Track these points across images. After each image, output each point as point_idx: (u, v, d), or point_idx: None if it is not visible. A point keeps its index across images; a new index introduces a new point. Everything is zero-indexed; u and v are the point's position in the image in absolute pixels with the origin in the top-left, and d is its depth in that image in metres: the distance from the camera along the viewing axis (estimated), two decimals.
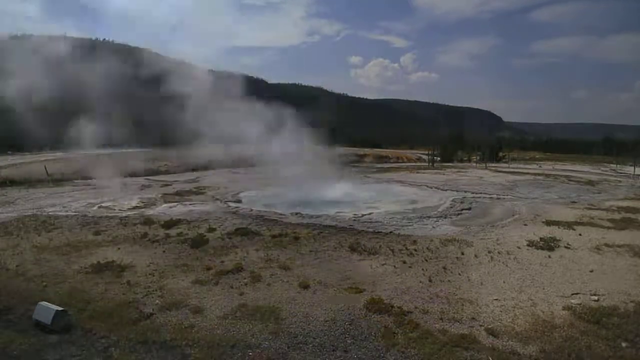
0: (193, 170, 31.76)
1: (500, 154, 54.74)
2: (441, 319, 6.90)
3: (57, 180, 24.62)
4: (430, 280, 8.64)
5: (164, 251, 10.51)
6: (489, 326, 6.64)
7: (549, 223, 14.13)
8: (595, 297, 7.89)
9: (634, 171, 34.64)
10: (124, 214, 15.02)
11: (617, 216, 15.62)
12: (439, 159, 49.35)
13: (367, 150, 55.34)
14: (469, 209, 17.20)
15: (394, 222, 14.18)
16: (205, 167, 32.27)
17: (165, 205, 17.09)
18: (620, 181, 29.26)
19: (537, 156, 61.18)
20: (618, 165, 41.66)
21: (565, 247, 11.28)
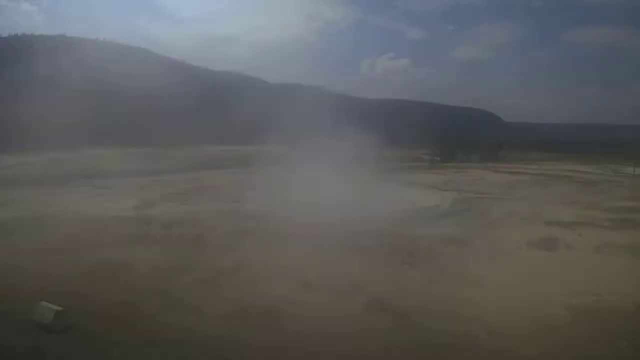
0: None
1: (500, 154, 54.69)
2: (441, 319, 6.89)
3: (57, 180, 24.57)
4: (430, 281, 8.64)
5: (164, 251, 10.50)
6: (489, 326, 6.62)
7: (549, 223, 14.10)
8: (595, 297, 7.88)
9: (634, 171, 34.62)
10: (124, 214, 15.00)
11: (617, 216, 15.59)
12: (439, 159, 49.32)
13: None
14: (469, 209, 17.19)
15: (395, 222, 14.17)
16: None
17: (165, 205, 17.07)
18: (620, 181, 29.23)
19: (537, 156, 61.06)
20: (618, 166, 41.59)
21: (566, 247, 11.26)
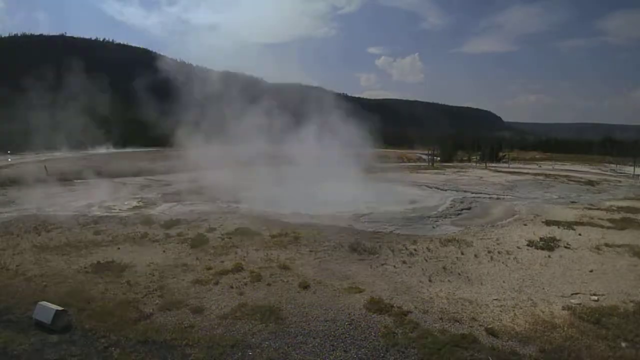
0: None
1: (500, 154, 54.77)
2: (441, 319, 6.90)
3: (57, 180, 24.59)
4: (430, 280, 8.65)
5: (164, 251, 10.51)
6: (489, 326, 6.64)
7: (549, 223, 14.13)
8: (595, 297, 7.90)
9: (634, 171, 34.65)
10: (124, 214, 15.01)
11: (617, 216, 15.62)
12: (439, 159, 49.38)
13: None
14: (469, 208, 17.22)
15: (394, 222, 14.18)
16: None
17: (165, 205, 17.09)
18: (620, 181, 29.27)
19: (537, 156, 61.18)
20: (618, 165, 41.64)
21: (565, 247, 11.28)
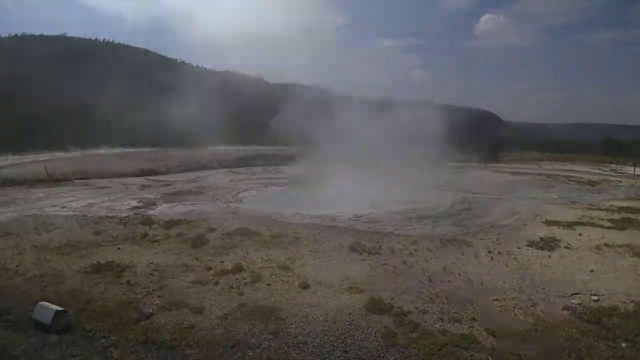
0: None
1: (500, 154, 54.67)
2: (441, 319, 6.90)
3: (57, 180, 24.59)
4: (430, 280, 8.65)
5: (164, 251, 10.51)
6: (489, 326, 6.63)
7: (549, 223, 14.12)
8: (596, 297, 7.90)
9: (634, 171, 34.61)
10: (124, 214, 15.01)
11: (617, 216, 15.60)
12: (438, 159, 49.23)
13: None
14: (469, 208, 17.21)
15: (394, 222, 14.18)
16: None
17: (165, 205, 17.08)
18: (620, 181, 29.23)
19: (537, 156, 61.05)
20: (618, 166, 41.58)
21: (565, 247, 11.28)
